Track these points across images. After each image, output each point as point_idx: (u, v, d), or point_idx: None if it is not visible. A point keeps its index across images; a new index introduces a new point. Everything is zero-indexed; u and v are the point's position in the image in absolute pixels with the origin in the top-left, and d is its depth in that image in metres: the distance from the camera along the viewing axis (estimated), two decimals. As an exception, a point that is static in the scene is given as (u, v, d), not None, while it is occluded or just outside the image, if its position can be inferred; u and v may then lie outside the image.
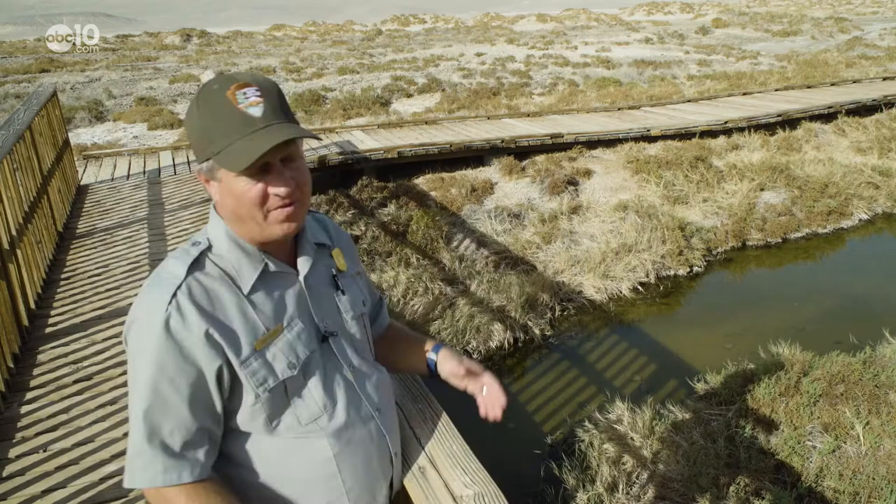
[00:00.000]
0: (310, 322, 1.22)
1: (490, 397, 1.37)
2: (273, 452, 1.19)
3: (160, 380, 1.07)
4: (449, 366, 1.42)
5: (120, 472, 2.60)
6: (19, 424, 2.94)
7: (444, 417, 1.61)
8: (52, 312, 4.09)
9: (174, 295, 1.07)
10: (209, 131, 1.08)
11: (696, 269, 7.09)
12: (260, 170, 1.08)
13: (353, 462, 1.24)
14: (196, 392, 1.09)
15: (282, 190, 1.10)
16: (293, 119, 1.13)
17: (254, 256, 1.17)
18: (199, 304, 1.09)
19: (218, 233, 1.17)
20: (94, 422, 2.94)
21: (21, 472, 2.61)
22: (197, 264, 1.12)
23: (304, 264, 1.24)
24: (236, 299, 1.13)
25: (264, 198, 1.10)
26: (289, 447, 1.19)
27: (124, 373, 3.35)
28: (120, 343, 3.67)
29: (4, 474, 2.60)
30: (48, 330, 3.86)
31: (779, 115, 10.44)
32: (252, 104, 1.07)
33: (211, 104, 1.08)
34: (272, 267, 1.19)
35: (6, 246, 3.73)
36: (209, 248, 1.16)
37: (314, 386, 1.20)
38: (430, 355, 1.45)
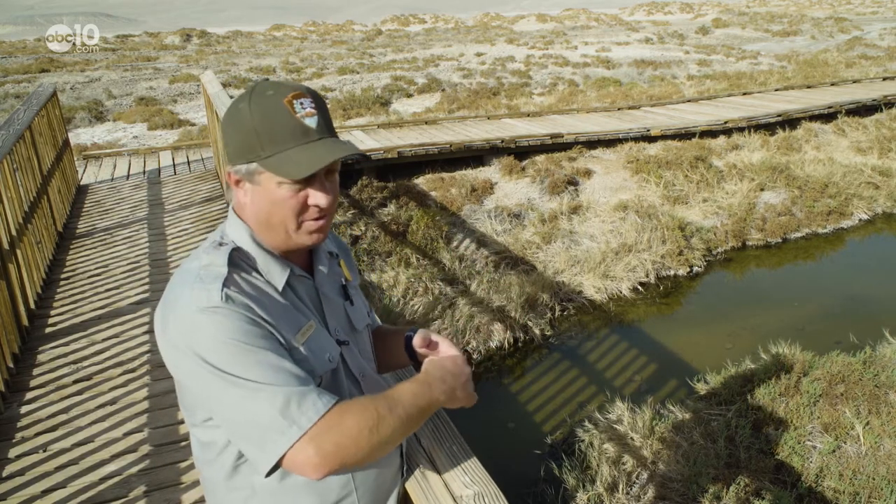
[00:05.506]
0: (325, 329, 1.22)
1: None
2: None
3: (245, 347, 1.03)
4: (418, 340, 1.39)
5: (120, 471, 2.60)
6: (19, 424, 2.94)
7: (444, 417, 1.61)
8: (52, 312, 4.09)
9: (224, 285, 1.06)
10: (262, 135, 1.08)
11: (696, 269, 7.09)
12: (304, 180, 1.09)
13: (364, 471, 1.24)
14: (275, 342, 1.07)
15: (323, 201, 1.11)
16: (336, 133, 1.15)
17: (280, 260, 1.17)
18: (248, 293, 1.08)
19: (241, 236, 1.16)
20: (94, 422, 2.94)
21: (21, 472, 2.61)
22: (232, 261, 1.11)
23: (320, 272, 1.25)
24: (275, 294, 1.14)
25: (303, 208, 1.12)
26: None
27: (124, 373, 3.35)
28: (120, 343, 3.68)
29: (4, 474, 2.60)
30: (48, 330, 3.86)
31: (779, 115, 10.44)
32: (308, 115, 1.09)
33: (266, 108, 1.08)
34: (296, 271, 1.19)
35: (6, 246, 3.73)
36: (236, 248, 1.14)
37: (339, 391, 1.19)
38: (408, 334, 1.44)
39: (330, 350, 1.18)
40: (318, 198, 1.11)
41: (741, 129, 10.17)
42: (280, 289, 1.15)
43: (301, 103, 1.09)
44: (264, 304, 1.09)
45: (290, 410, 1.01)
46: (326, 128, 1.12)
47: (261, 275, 1.14)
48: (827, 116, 10.93)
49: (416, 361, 1.42)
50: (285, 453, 1.01)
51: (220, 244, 1.14)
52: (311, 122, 1.09)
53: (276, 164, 1.08)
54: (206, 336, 1.03)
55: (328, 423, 1.02)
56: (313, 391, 1.04)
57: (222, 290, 1.05)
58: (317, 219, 1.13)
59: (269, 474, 1.04)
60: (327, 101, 14.99)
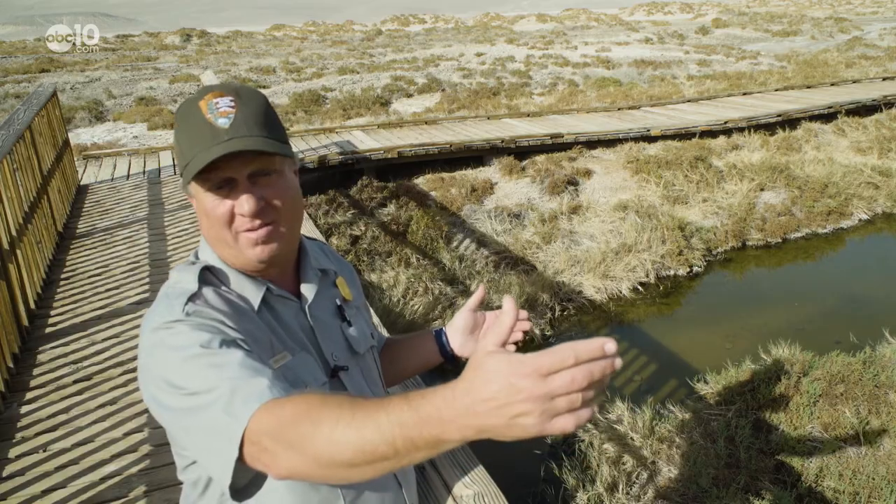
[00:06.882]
0: (318, 355, 1.10)
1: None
2: (284, 493, 1.04)
3: (205, 354, 0.90)
4: (459, 321, 1.32)
5: (120, 471, 2.60)
6: (19, 424, 2.94)
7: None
8: (52, 312, 4.09)
9: (190, 299, 0.98)
10: (181, 144, 1.01)
11: (695, 269, 7.09)
12: (226, 185, 0.99)
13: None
14: (242, 348, 0.94)
15: (244, 208, 0.98)
16: (274, 134, 1.02)
17: (253, 279, 1.07)
18: (218, 308, 0.99)
19: (209, 254, 1.08)
20: (94, 422, 2.94)
21: (21, 472, 2.61)
22: (204, 278, 1.03)
23: (308, 292, 1.13)
24: (250, 313, 1.04)
25: (231, 217, 1.00)
26: (298, 490, 1.04)
27: (124, 373, 3.35)
28: (120, 343, 3.68)
29: (4, 474, 2.60)
30: (48, 330, 3.86)
31: (779, 115, 10.44)
32: (221, 114, 0.98)
33: (185, 115, 1.01)
34: (275, 290, 1.09)
35: (6, 246, 3.73)
36: (208, 267, 1.06)
37: None
38: (436, 330, 1.33)
39: (309, 381, 1.05)
40: (240, 204, 0.99)
41: (741, 129, 10.18)
42: (255, 308, 1.05)
43: (216, 103, 0.98)
44: (237, 319, 0.99)
45: (233, 405, 0.84)
46: (247, 126, 0.98)
47: (235, 292, 1.05)
48: (827, 116, 10.93)
49: (449, 362, 1.34)
50: (238, 456, 0.82)
51: (192, 263, 1.07)
52: (223, 122, 0.97)
53: (186, 172, 0.99)
54: (164, 351, 0.92)
55: (268, 409, 0.82)
56: (264, 379, 0.86)
57: (186, 304, 0.96)
58: (250, 230, 1.01)
59: (239, 497, 0.89)
60: (326, 101, 15.02)
